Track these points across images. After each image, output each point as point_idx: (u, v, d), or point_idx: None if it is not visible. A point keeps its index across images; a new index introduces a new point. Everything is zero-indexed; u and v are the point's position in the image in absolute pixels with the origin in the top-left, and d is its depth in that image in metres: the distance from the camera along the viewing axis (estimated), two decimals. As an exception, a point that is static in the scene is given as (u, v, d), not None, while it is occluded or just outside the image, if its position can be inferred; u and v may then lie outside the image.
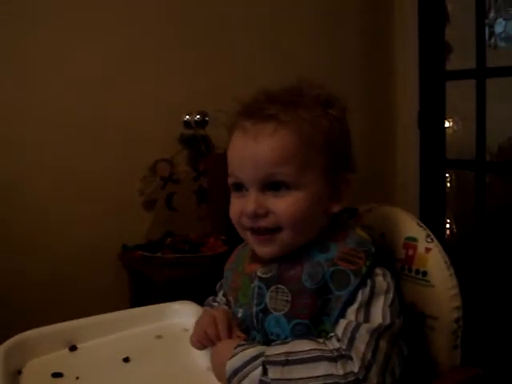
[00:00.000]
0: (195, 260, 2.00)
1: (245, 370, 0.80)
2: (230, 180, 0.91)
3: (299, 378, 0.76)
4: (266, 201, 0.86)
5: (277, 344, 0.82)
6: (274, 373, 0.78)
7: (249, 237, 0.90)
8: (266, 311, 0.87)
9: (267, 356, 0.79)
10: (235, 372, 0.81)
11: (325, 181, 0.87)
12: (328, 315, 0.82)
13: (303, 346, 0.79)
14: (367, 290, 0.81)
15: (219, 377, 0.87)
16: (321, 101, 0.89)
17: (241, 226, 0.90)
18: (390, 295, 0.83)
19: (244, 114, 0.89)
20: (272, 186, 0.86)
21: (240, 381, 0.80)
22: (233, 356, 0.82)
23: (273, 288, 0.87)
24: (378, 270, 0.84)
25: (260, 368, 0.79)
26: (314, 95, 0.89)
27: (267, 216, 0.86)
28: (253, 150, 0.86)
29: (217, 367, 0.87)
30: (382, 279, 0.84)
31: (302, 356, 0.78)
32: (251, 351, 0.82)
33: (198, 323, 0.97)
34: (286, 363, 0.77)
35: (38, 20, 2.09)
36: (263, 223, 0.87)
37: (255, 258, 0.93)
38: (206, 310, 1.01)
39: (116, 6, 2.23)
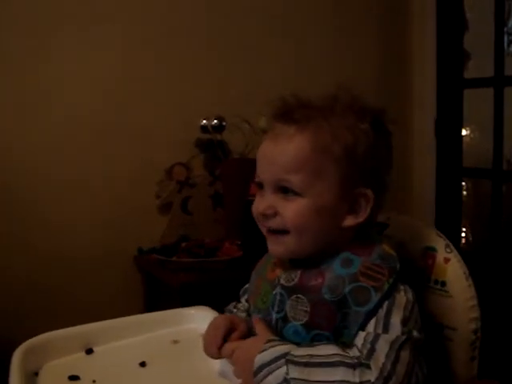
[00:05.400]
0: (210, 264, 2.00)
1: (272, 365, 0.80)
2: (256, 179, 0.92)
3: (316, 381, 0.77)
4: (276, 202, 0.88)
5: (304, 346, 0.83)
6: (293, 372, 0.78)
7: (265, 234, 0.91)
8: (285, 319, 0.87)
9: (291, 355, 0.80)
10: (262, 367, 0.81)
11: (340, 193, 0.86)
12: (347, 328, 0.82)
13: (327, 350, 0.79)
14: (387, 303, 0.81)
15: (241, 373, 0.87)
16: (353, 111, 0.88)
17: (259, 223, 0.92)
18: (409, 310, 0.82)
19: (274, 116, 0.90)
20: (282, 188, 0.87)
21: (266, 376, 0.80)
22: (263, 350, 0.82)
23: (293, 297, 0.87)
24: (401, 286, 0.84)
25: (285, 366, 0.79)
26: (346, 105, 0.88)
27: (275, 217, 0.88)
28: (270, 152, 0.88)
29: (241, 362, 0.87)
30: (402, 294, 0.83)
31: (323, 360, 0.78)
32: (281, 348, 0.82)
33: (205, 335, 0.97)
34: (307, 365, 0.78)
35: (57, 25, 2.12)
36: (271, 224, 0.89)
37: (278, 264, 0.93)
38: (210, 323, 0.99)
39: (135, 12, 2.25)
